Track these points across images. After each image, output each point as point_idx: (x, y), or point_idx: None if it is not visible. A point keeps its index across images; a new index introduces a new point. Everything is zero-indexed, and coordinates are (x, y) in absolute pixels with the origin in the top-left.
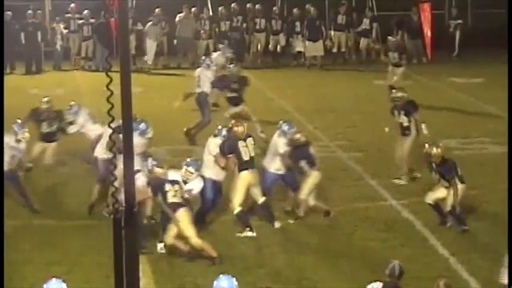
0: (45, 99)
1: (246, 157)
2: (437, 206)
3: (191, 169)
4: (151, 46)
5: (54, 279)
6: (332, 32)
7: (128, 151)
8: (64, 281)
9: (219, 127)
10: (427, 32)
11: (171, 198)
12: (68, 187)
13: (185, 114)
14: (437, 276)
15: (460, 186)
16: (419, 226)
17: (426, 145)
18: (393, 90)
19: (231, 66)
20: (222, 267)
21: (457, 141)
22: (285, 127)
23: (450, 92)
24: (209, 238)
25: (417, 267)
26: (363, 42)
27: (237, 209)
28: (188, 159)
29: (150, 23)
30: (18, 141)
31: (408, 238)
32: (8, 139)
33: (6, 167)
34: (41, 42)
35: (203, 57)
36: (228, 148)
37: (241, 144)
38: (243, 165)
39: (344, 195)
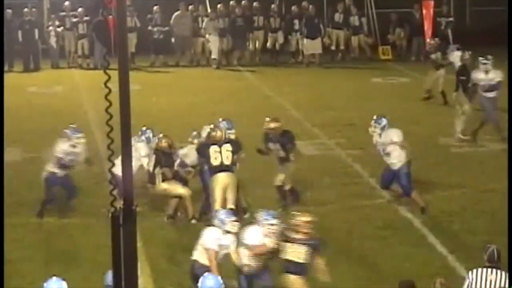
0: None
1: (216, 162)
2: (280, 187)
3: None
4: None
5: (54, 278)
6: (331, 30)
7: (126, 149)
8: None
9: (143, 128)
10: (429, 29)
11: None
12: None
13: (183, 112)
14: (436, 274)
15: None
16: (417, 224)
17: (267, 119)
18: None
19: None
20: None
21: (455, 139)
22: (223, 125)
23: (448, 90)
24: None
25: (416, 265)
26: (354, 39)
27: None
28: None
29: (207, 19)
30: (73, 146)
31: (406, 236)
32: (62, 145)
33: (61, 172)
34: (38, 39)
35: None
36: (200, 152)
37: (214, 148)
38: (213, 169)
39: (342, 193)
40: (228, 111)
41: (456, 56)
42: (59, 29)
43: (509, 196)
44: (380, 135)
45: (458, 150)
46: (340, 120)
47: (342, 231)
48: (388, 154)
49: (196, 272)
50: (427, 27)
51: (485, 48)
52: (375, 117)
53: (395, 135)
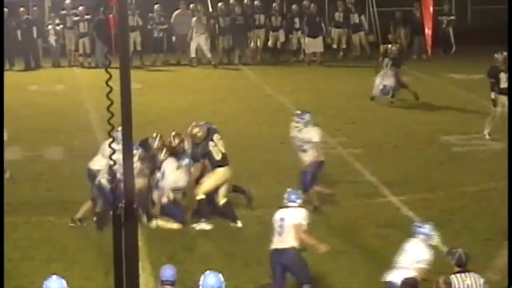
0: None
1: (218, 157)
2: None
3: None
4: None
5: (54, 276)
6: (331, 29)
7: (127, 147)
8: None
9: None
10: (428, 28)
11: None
12: (68, 183)
13: (184, 112)
14: (438, 273)
15: (220, 170)
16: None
17: (192, 124)
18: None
19: None
20: (221, 263)
21: (456, 137)
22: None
23: (450, 89)
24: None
25: None
26: (355, 38)
27: (200, 196)
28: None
29: (194, 18)
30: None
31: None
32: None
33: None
34: (38, 38)
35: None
36: (201, 153)
37: (210, 144)
38: (216, 164)
39: (343, 191)
40: (229, 110)
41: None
42: (58, 28)
43: (509, 196)
44: (300, 130)
45: (460, 149)
46: (341, 119)
47: (343, 230)
48: (304, 151)
49: None
50: (427, 26)
51: (486, 47)
52: (298, 112)
53: (315, 134)
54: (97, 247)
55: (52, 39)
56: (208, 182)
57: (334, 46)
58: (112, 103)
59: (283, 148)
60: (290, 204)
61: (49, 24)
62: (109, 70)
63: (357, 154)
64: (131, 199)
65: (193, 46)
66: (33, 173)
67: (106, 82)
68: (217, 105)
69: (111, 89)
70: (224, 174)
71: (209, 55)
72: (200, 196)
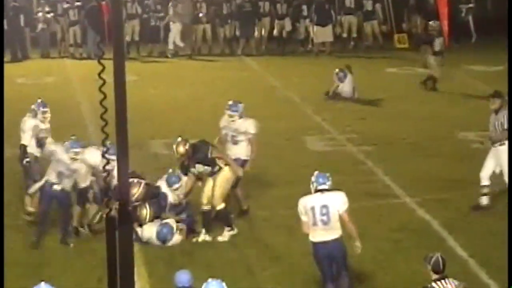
0: None
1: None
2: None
3: None
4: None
5: (43, 283)
6: (342, 17)
7: (121, 147)
8: (54, 284)
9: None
10: (444, 17)
11: None
12: None
13: (182, 105)
14: (455, 280)
15: (226, 168)
16: (436, 226)
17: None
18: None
19: None
20: (223, 269)
21: (475, 134)
22: None
23: (468, 81)
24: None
25: None
26: (366, 26)
27: (220, 205)
28: None
29: (170, 4)
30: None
31: (424, 239)
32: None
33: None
34: (25, 27)
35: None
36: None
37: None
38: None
39: (353, 192)
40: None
41: None
42: (48, 16)
43: (509, 196)
44: (235, 121)
45: (478, 146)
46: (352, 113)
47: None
48: (236, 143)
49: None
50: (442, 14)
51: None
52: (230, 102)
53: (252, 126)
54: (90, 251)
55: (41, 27)
56: (221, 188)
57: (344, 35)
58: (105, 96)
59: (289, 145)
60: (321, 187)
61: (38, 11)
62: (102, 61)
63: (369, 152)
64: (125, 200)
65: (177, 37)
66: (22, 171)
67: (99, 74)
68: (216, 99)
69: (104, 82)
70: (231, 174)
71: (181, 44)
72: (220, 205)
